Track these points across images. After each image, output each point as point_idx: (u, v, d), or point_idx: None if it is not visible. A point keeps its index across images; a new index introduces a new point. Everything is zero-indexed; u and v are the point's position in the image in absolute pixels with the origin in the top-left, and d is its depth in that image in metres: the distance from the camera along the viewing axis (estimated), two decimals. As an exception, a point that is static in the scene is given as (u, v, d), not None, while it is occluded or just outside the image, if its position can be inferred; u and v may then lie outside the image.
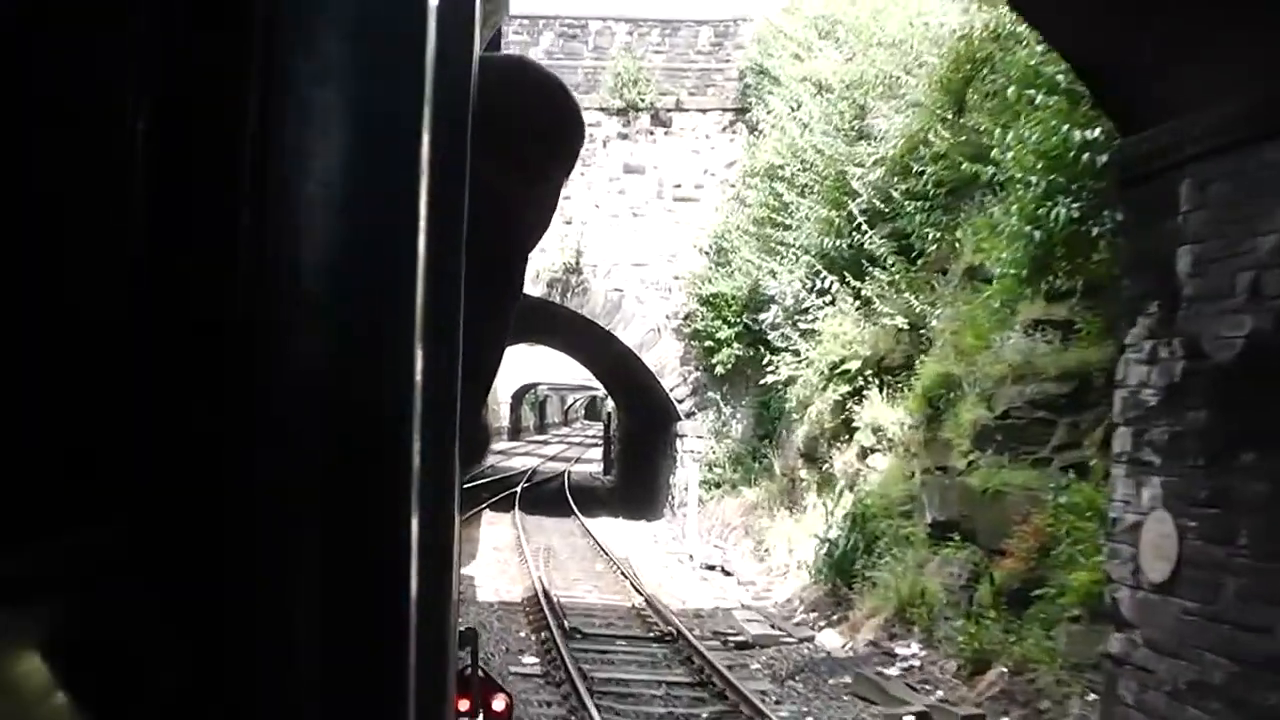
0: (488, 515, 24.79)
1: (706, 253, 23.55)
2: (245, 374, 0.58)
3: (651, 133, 24.05)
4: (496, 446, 51.81)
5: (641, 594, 14.90)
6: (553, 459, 53.29)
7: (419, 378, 0.61)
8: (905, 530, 12.65)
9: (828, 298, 16.39)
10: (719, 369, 22.91)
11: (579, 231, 23.58)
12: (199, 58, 0.59)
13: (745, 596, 15.54)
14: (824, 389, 15.93)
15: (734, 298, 22.85)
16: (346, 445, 0.60)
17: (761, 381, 22.58)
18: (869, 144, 15.72)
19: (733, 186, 23.73)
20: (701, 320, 23.11)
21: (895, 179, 15.01)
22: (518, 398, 68.04)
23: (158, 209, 0.57)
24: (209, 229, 0.58)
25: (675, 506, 23.60)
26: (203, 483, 0.58)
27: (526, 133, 1.29)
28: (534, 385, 68.19)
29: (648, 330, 23.79)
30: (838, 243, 16.61)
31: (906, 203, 14.32)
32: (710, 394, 23.34)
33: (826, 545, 13.82)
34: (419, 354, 0.61)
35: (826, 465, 15.90)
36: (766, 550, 18.20)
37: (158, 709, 0.55)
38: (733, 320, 22.89)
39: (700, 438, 23.35)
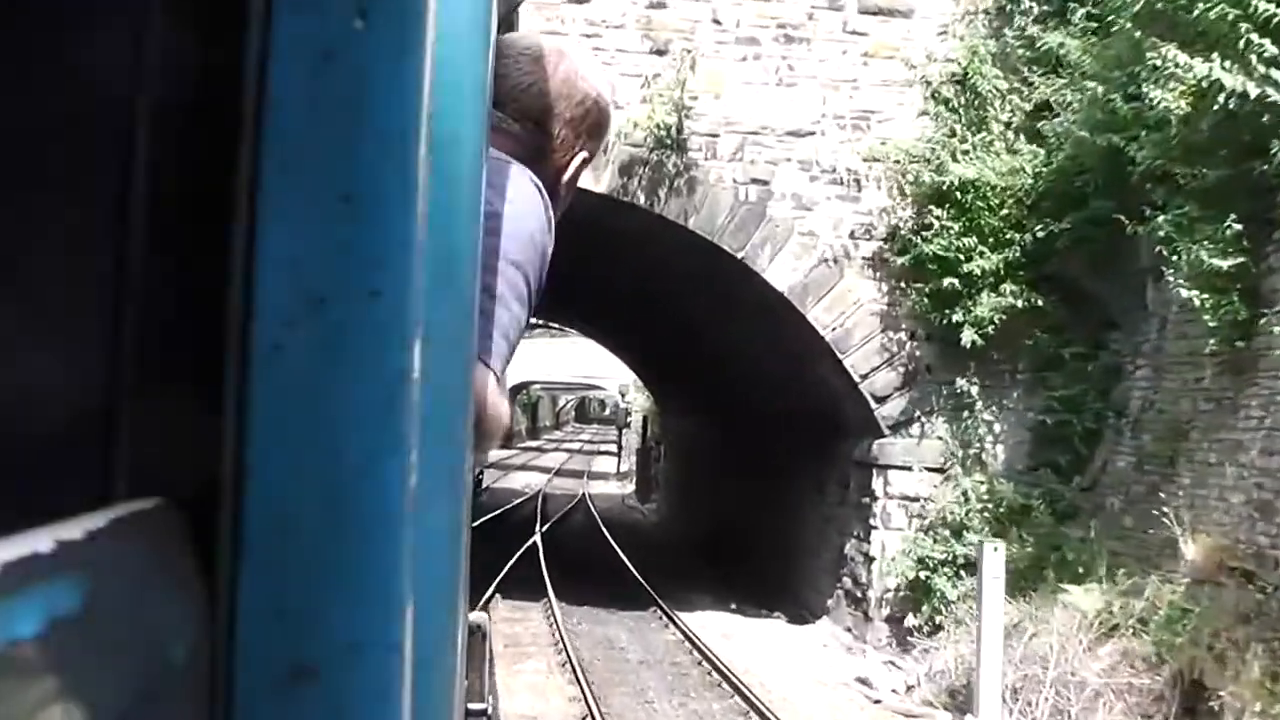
0: (503, 614, 13.21)
1: (939, 103, 12.04)
2: (243, 368, 0.58)
3: (819, -116, 12.52)
4: (490, 457, 40.58)
5: None
6: (559, 473, 42.52)
7: (416, 375, 0.61)
8: None
9: None
10: (969, 335, 11.42)
11: (676, 66, 12.06)
12: (195, 57, 0.59)
13: None
14: None
15: (1004, 190, 11.38)
16: (345, 438, 0.60)
17: (1070, 352, 11.23)
18: None
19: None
20: (932, 239, 11.61)
21: None
22: (509, 398, 58.48)
23: (156, 207, 0.57)
24: (207, 227, 0.59)
25: (873, 605, 12.07)
26: (195, 480, 0.58)
27: (564, 112, 1.46)
28: (527, 385, 59.56)
29: (816, 261, 12.25)
30: None
31: None
32: (959, 382, 11.82)
33: None
34: (417, 351, 0.62)
35: None
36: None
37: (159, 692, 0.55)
38: (1003, 235, 11.42)
39: (931, 469, 11.85)
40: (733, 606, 14.66)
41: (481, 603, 12.64)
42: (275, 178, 0.58)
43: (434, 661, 0.70)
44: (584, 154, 1.51)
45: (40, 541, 0.45)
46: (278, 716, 0.59)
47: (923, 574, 11.20)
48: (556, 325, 36.13)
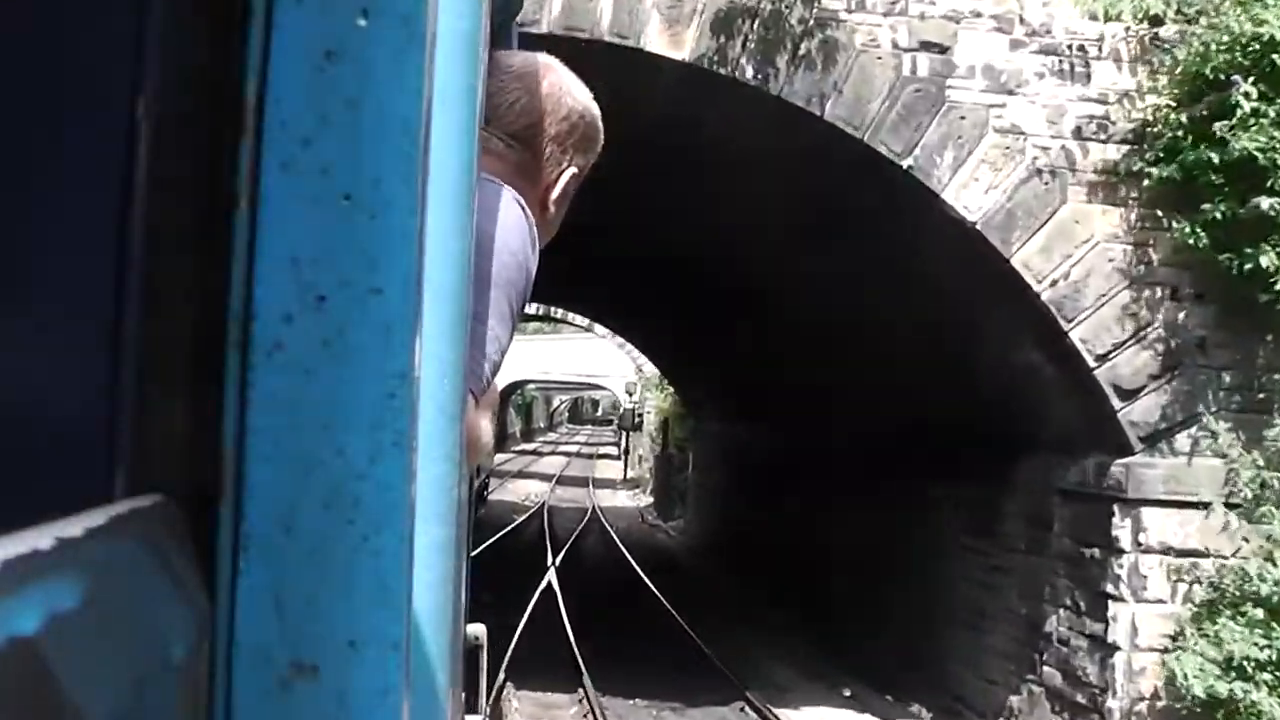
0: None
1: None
2: (244, 366, 0.58)
3: None
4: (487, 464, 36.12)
5: None
6: (560, 481, 38.14)
7: (417, 375, 0.61)
8: None
9: None
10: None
11: None
12: (197, 56, 0.59)
13: None
14: None
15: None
16: (346, 436, 0.59)
17: None
18: None
19: None
20: (1236, 131, 7.11)
21: None
22: (503, 400, 54.54)
23: (157, 205, 0.56)
24: (208, 225, 0.59)
25: (1116, 722, 7.57)
26: (195, 478, 0.58)
27: (549, 128, 1.44)
28: (522, 384, 55.66)
29: (1026, 175, 7.76)
30: None
31: None
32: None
33: None
34: (418, 351, 0.61)
35: None
36: None
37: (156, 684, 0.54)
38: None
39: (1209, 506, 7.35)
40: (847, 694, 10.21)
41: (492, 695, 8.23)
42: (276, 176, 0.58)
43: (430, 669, 0.71)
44: (573, 169, 1.49)
45: (40, 539, 0.44)
46: (278, 714, 0.59)
47: (1238, 685, 6.70)
48: (558, 315, 31.75)
